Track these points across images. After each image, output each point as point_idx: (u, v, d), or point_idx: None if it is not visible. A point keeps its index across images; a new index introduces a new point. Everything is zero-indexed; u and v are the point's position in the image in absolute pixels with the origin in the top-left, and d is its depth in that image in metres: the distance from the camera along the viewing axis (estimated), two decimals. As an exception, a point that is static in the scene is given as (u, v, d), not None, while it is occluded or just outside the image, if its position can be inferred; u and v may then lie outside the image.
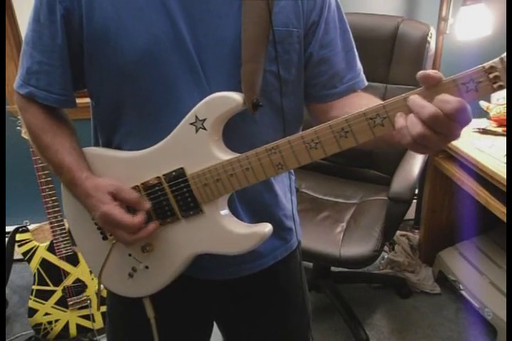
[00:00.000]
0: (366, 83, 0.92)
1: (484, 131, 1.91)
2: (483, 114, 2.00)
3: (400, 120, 0.64)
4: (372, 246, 1.64)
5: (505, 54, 0.61)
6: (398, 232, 2.36)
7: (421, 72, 0.62)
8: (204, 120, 0.77)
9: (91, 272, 1.87)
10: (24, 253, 1.81)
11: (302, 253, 1.07)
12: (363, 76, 0.92)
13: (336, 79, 0.88)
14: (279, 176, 0.94)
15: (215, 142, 0.79)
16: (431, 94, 0.63)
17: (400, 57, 1.88)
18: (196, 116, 0.78)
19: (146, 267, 0.88)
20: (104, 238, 0.90)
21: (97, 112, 0.90)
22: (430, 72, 0.62)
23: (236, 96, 0.77)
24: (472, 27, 1.95)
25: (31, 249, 1.81)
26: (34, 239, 1.83)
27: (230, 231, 0.81)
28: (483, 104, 1.97)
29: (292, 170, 1.00)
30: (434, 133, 0.62)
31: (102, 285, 0.95)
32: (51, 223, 1.79)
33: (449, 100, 0.60)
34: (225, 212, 0.83)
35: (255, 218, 0.89)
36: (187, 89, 0.80)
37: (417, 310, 2.06)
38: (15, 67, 2.14)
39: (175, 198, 0.82)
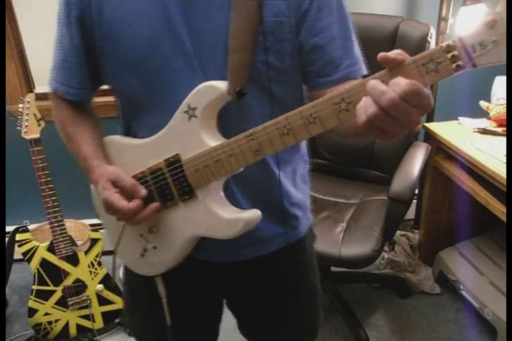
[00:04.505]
0: (365, 72, 0.89)
1: (484, 131, 1.91)
2: (483, 114, 2.00)
3: (361, 102, 0.64)
4: (372, 246, 1.64)
5: (463, 33, 0.59)
6: (398, 232, 2.36)
7: (380, 54, 0.62)
8: (195, 108, 0.82)
9: (91, 272, 1.88)
10: (24, 253, 1.81)
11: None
12: (361, 64, 0.89)
13: (331, 67, 0.87)
14: (287, 164, 0.96)
15: (205, 129, 0.83)
16: (392, 76, 0.62)
17: (400, 57, 1.88)
18: (188, 105, 0.83)
19: (154, 247, 0.93)
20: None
21: (117, 103, 0.98)
22: (390, 54, 0.61)
23: (221, 85, 0.81)
24: (472, 27, 1.95)
25: (31, 248, 1.81)
26: (34, 239, 1.83)
27: (217, 215, 0.85)
28: (483, 104, 1.97)
29: (308, 160, 1.05)
30: (388, 116, 0.61)
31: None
32: (51, 223, 1.79)
33: (399, 82, 0.60)
34: (217, 196, 0.86)
35: (254, 203, 0.91)
36: (185, 79, 0.84)
37: (417, 310, 2.06)
38: (15, 67, 2.14)
39: (173, 182, 0.87)
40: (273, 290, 1.06)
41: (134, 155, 0.92)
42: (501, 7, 0.55)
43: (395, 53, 0.62)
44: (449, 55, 0.59)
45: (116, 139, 0.96)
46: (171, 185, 0.87)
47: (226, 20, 0.81)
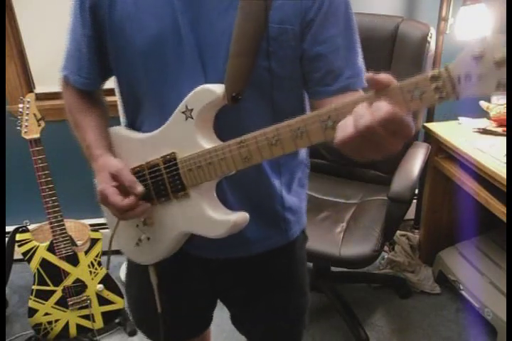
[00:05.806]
0: (365, 85, 0.88)
1: (484, 131, 1.91)
2: (483, 114, 2.00)
3: (342, 121, 0.64)
4: (372, 246, 1.64)
5: (450, 63, 0.57)
6: (398, 232, 2.36)
7: (368, 76, 0.62)
8: (192, 110, 0.83)
9: (91, 272, 1.87)
10: (24, 253, 1.81)
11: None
12: (362, 77, 0.89)
13: (331, 77, 0.87)
14: (284, 169, 0.96)
15: (201, 131, 0.84)
16: (379, 98, 0.62)
17: (400, 57, 1.88)
18: (186, 106, 0.84)
19: (148, 238, 0.96)
20: None
21: (122, 97, 0.98)
22: (379, 76, 0.61)
23: (217, 90, 0.81)
24: (472, 27, 1.95)
25: (31, 248, 1.81)
26: (34, 239, 1.83)
27: (206, 215, 0.86)
28: (483, 104, 1.97)
29: (308, 164, 1.04)
30: (363, 139, 0.61)
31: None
32: (51, 223, 1.79)
33: (381, 108, 0.59)
34: (209, 196, 0.88)
35: (246, 205, 0.92)
36: (187, 80, 0.85)
37: (417, 310, 2.06)
38: (15, 67, 2.13)
39: (168, 179, 0.88)
40: (261, 288, 1.08)
41: (134, 148, 0.94)
42: (491, 40, 0.53)
43: (382, 76, 0.62)
44: (433, 86, 0.58)
45: (121, 131, 0.98)
46: (165, 181, 0.89)
47: (231, 24, 0.81)
